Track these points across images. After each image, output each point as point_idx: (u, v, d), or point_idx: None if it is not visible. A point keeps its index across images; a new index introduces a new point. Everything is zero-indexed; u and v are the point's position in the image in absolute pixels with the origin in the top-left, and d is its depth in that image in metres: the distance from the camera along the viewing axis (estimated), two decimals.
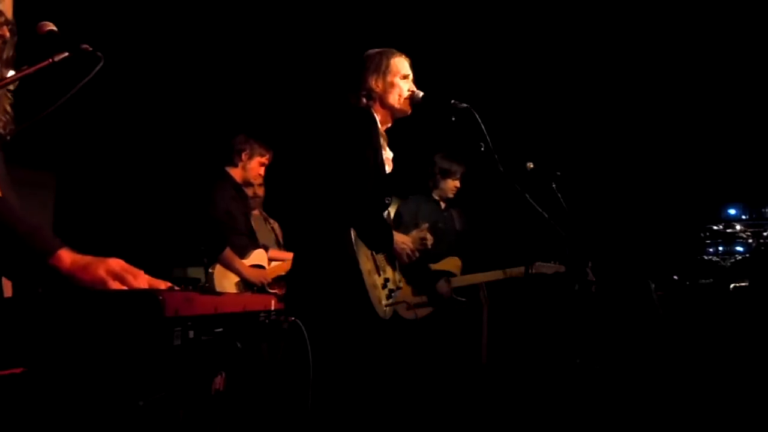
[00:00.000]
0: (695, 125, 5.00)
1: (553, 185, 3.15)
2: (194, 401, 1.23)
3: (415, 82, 2.62)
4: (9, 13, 1.49)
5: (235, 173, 3.71)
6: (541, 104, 5.08)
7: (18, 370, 1.06)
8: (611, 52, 4.91)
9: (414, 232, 2.87)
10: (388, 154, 2.60)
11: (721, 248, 5.03)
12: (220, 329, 1.17)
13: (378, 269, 2.51)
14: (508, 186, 2.59)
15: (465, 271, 4.00)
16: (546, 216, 2.70)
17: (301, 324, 1.61)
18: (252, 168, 3.72)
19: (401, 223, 3.82)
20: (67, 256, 1.17)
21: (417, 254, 2.70)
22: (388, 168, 2.57)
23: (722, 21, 4.59)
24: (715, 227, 5.06)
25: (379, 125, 2.55)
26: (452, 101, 2.49)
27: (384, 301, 2.49)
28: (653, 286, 3.04)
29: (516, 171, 3.43)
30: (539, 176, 3.18)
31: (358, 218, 2.38)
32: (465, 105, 2.47)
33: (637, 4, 4.64)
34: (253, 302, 1.41)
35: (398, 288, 2.62)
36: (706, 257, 5.04)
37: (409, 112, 2.59)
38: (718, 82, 4.87)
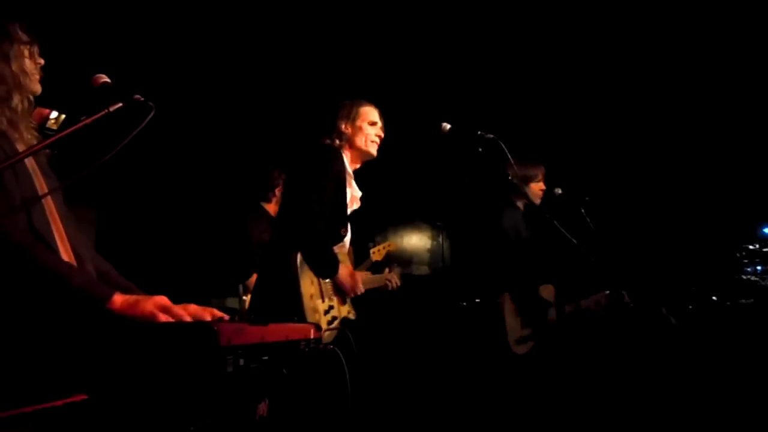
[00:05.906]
0: (730, 145, 4.97)
1: (582, 210, 3.17)
2: (241, 427, 1.30)
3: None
4: None
5: (270, 208, 3.83)
6: (569, 129, 5.11)
7: (79, 398, 1.15)
8: (639, 77, 4.93)
9: (385, 273, 3.04)
10: (356, 192, 2.72)
11: (759, 268, 4.94)
12: (266, 357, 1.25)
13: (323, 295, 2.57)
14: (537, 213, 2.64)
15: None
16: (575, 242, 2.73)
17: (339, 352, 1.69)
18: None
19: (504, 235, 3.58)
20: (117, 299, 1.33)
21: (361, 291, 2.73)
22: (356, 205, 2.71)
23: (763, 44, 4.56)
24: (751, 247, 4.98)
25: (348, 164, 2.68)
26: (478, 132, 2.57)
27: (324, 326, 2.53)
28: (664, 310, 3.02)
29: (544, 197, 3.47)
30: (567, 202, 3.20)
31: (305, 243, 2.47)
32: (491, 136, 2.55)
33: (662, 32, 4.66)
34: (295, 331, 1.49)
35: (345, 318, 2.67)
36: (744, 277, 4.96)
37: (375, 155, 2.74)
38: (752, 103, 4.85)
